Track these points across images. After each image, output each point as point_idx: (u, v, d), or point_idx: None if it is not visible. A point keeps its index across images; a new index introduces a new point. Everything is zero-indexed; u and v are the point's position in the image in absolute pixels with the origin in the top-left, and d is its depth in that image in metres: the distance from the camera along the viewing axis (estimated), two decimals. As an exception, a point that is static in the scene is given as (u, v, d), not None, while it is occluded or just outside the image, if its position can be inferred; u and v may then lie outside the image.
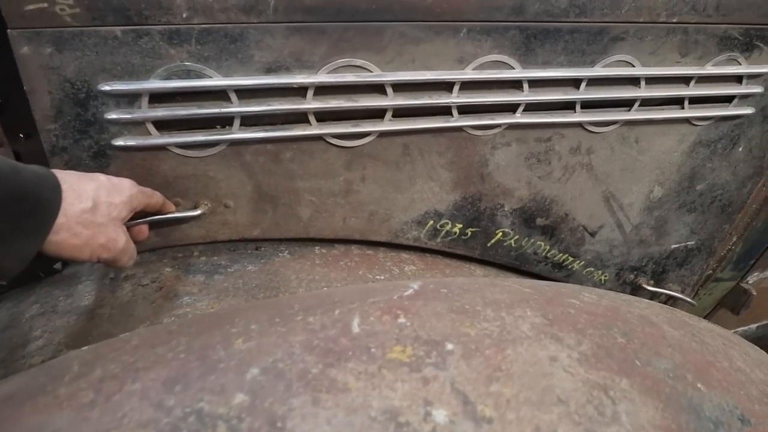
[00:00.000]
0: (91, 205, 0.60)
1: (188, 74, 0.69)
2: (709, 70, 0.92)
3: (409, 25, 0.74)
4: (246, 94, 0.73)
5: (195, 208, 0.81)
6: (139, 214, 0.72)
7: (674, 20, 0.85)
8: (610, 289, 1.16)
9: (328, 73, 0.74)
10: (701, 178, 1.08)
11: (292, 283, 0.82)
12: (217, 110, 0.72)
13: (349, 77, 0.75)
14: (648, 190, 1.06)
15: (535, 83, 0.84)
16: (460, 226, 0.97)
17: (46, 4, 0.61)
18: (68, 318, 0.74)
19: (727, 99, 0.98)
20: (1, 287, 0.81)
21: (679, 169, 1.05)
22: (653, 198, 1.07)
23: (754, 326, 1.54)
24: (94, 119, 0.70)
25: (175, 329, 0.47)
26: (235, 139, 0.76)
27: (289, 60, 0.72)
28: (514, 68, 0.81)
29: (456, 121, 0.83)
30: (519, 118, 0.86)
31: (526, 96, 0.84)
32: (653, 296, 1.21)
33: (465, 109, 0.83)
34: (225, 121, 0.75)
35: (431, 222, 0.95)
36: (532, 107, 0.87)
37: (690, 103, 0.96)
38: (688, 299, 1.24)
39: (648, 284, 1.20)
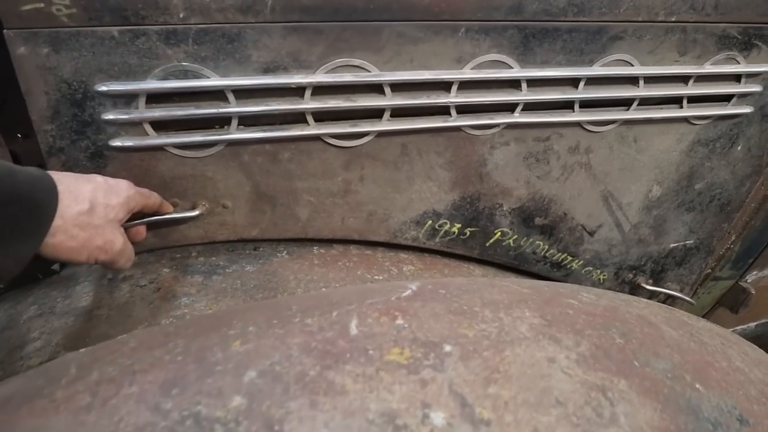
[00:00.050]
0: (88, 207, 0.60)
1: (185, 74, 0.69)
2: (708, 69, 0.92)
3: (407, 24, 0.74)
4: (244, 94, 0.73)
5: (193, 208, 0.80)
6: (136, 215, 0.72)
7: (673, 19, 0.85)
8: (609, 289, 1.16)
9: (326, 73, 0.74)
10: (700, 177, 1.08)
11: (291, 284, 0.81)
12: (214, 110, 0.72)
13: (347, 77, 0.74)
14: (647, 190, 1.06)
15: (534, 83, 0.84)
16: (459, 225, 0.97)
17: (42, 5, 0.61)
18: (66, 319, 0.73)
19: (726, 98, 0.98)
20: (-2, 288, 0.81)
21: (678, 168, 1.05)
22: (652, 197, 1.07)
23: (752, 325, 1.54)
24: (91, 120, 0.70)
25: (173, 331, 0.47)
26: (233, 140, 0.75)
27: (287, 60, 0.72)
28: (512, 68, 0.81)
29: (454, 120, 0.83)
30: (517, 117, 0.86)
31: (525, 95, 0.84)
32: (652, 295, 1.21)
33: (463, 109, 0.83)
34: (223, 122, 0.75)
35: (430, 222, 0.95)
36: (530, 107, 0.87)
37: (689, 102, 0.96)
38: (687, 298, 1.24)
39: (647, 283, 1.20)
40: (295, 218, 0.87)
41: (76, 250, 0.59)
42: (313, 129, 0.78)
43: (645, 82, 0.90)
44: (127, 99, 0.69)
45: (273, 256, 0.88)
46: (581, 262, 1.11)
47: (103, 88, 0.67)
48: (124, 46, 0.65)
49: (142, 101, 0.69)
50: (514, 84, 0.84)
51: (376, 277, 0.88)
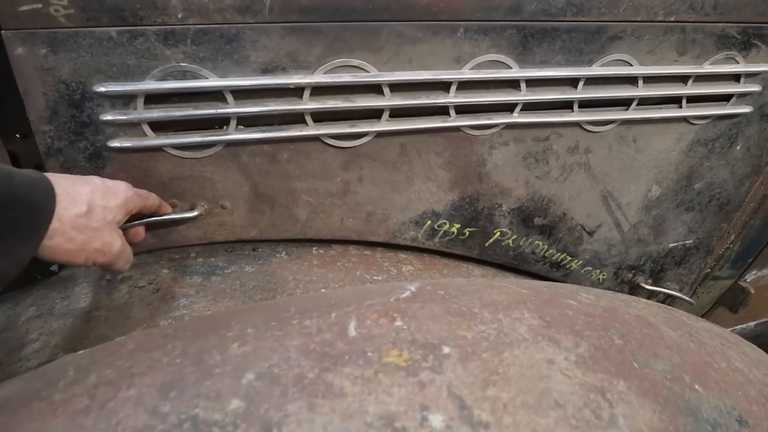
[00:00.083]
0: (86, 210, 0.59)
1: (184, 75, 0.69)
2: (707, 68, 0.92)
3: (406, 24, 0.73)
4: (242, 94, 0.73)
5: (192, 209, 0.80)
6: (135, 216, 0.72)
7: (672, 19, 0.85)
8: (609, 289, 1.16)
9: (325, 73, 0.74)
10: (699, 176, 1.08)
11: (290, 285, 0.81)
12: (213, 111, 0.72)
13: (346, 77, 0.74)
14: (646, 189, 1.06)
15: (533, 83, 0.84)
16: (458, 226, 0.97)
17: (40, 5, 0.60)
18: (65, 320, 0.73)
19: (725, 98, 0.98)
20: (-3, 290, 0.81)
21: (677, 167, 1.05)
22: (651, 197, 1.07)
23: (752, 324, 1.54)
24: (90, 120, 0.69)
25: (171, 333, 0.47)
26: (232, 140, 0.75)
27: (286, 60, 0.72)
28: (511, 68, 0.81)
29: (453, 120, 0.83)
30: (516, 117, 0.86)
31: (524, 95, 0.84)
32: (651, 295, 1.21)
33: (462, 109, 0.83)
34: (221, 122, 0.74)
35: (429, 222, 0.95)
36: (529, 107, 0.86)
37: (688, 101, 0.95)
38: (687, 298, 1.24)
39: (646, 283, 1.20)
40: (293, 219, 0.87)
41: (74, 253, 0.59)
42: (311, 129, 0.77)
43: (644, 82, 0.90)
44: (126, 100, 0.69)
45: (272, 257, 0.88)
46: (580, 262, 1.11)
47: (102, 89, 0.67)
48: (123, 47, 0.65)
49: (140, 102, 0.69)
50: (513, 84, 0.84)
51: (375, 278, 0.87)
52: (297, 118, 0.77)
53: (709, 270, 1.28)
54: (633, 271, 1.18)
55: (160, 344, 0.44)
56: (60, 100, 0.67)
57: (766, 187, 1.15)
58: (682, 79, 0.93)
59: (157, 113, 0.70)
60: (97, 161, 0.73)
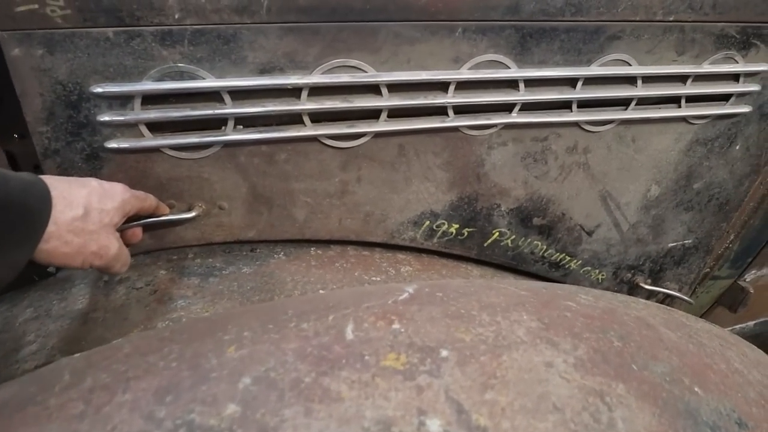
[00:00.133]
0: (82, 213, 0.59)
1: (181, 75, 0.68)
2: (706, 68, 0.91)
3: (404, 24, 0.73)
4: (240, 95, 0.72)
5: (189, 210, 0.80)
6: (133, 218, 0.72)
7: (671, 19, 0.84)
8: (608, 288, 1.16)
9: (323, 73, 0.73)
10: (698, 176, 1.07)
11: (288, 285, 0.81)
12: (210, 111, 0.71)
13: (344, 78, 0.74)
14: (645, 189, 1.05)
15: (531, 83, 0.84)
16: (457, 226, 0.96)
17: (36, 6, 0.60)
18: (62, 322, 0.73)
19: (724, 97, 0.98)
20: (-6, 291, 0.80)
21: (676, 167, 1.04)
22: (650, 197, 1.07)
23: (751, 323, 1.54)
24: (87, 121, 0.69)
25: (168, 336, 0.46)
26: (230, 141, 0.75)
27: (283, 61, 0.71)
28: (509, 68, 0.81)
29: (452, 121, 0.83)
30: (515, 117, 0.86)
31: (522, 96, 0.84)
32: (651, 295, 1.21)
33: (461, 109, 0.83)
34: (219, 123, 0.74)
35: (427, 222, 0.94)
36: (528, 107, 0.86)
37: (687, 101, 0.95)
38: (686, 298, 1.24)
39: (645, 283, 1.19)
40: (292, 219, 0.87)
41: (70, 256, 0.59)
42: (309, 130, 0.77)
43: (643, 82, 0.89)
44: (123, 100, 0.69)
45: (270, 258, 0.87)
46: (579, 262, 1.11)
47: (99, 90, 0.66)
48: (120, 48, 0.65)
49: (137, 102, 0.69)
50: (511, 84, 0.83)
51: (374, 279, 0.87)
52: (295, 119, 0.77)
53: (708, 270, 1.28)
54: (632, 271, 1.18)
55: (157, 348, 0.44)
56: (57, 101, 0.67)
57: (765, 186, 1.15)
58: (681, 78, 0.92)
59: (155, 114, 0.70)
60: (94, 162, 0.72)
